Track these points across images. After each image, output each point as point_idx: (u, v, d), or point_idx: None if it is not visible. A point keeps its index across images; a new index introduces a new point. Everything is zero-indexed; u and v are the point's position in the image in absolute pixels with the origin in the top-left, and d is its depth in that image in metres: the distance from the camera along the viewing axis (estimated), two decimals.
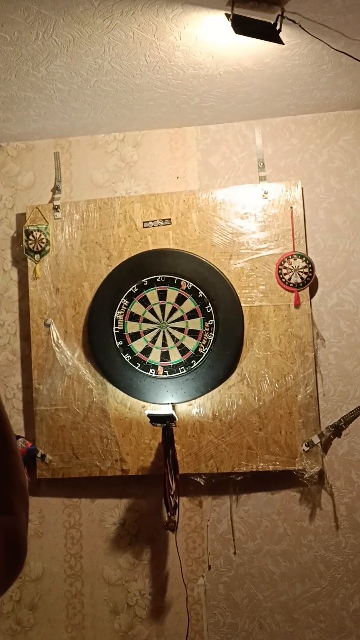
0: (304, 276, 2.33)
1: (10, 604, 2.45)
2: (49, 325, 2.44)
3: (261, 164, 2.42)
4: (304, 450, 2.27)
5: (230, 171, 2.50)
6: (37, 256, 2.48)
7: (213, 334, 2.34)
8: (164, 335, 2.38)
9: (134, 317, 2.40)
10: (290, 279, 2.33)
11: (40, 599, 2.45)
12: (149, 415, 2.25)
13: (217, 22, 1.77)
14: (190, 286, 2.37)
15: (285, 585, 2.33)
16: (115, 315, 2.40)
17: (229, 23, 1.67)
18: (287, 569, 2.33)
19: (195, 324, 2.36)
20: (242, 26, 1.64)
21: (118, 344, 2.39)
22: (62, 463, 2.41)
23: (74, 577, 2.44)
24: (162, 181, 2.54)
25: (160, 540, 2.40)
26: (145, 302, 2.39)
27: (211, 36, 1.86)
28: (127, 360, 2.37)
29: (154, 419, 2.25)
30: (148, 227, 2.43)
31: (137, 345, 2.38)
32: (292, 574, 2.33)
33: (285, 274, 2.33)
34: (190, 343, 2.35)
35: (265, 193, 2.37)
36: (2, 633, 2.45)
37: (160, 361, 2.36)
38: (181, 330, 2.37)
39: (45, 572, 2.46)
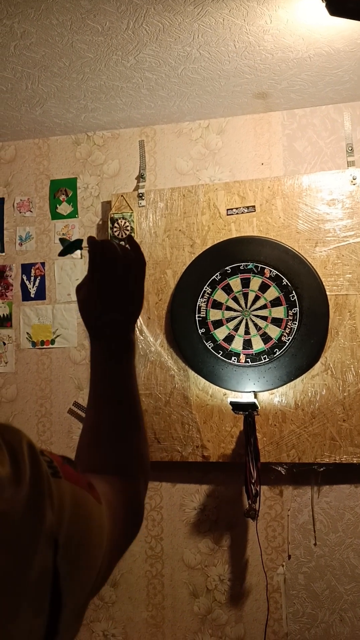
0: None
1: None
2: None
3: (350, 148, 2.35)
4: None
5: (316, 156, 2.45)
6: (122, 243, 2.52)
7: (297, 323, 2.31)
8: (246, 323, 2.37)
9: (217, 305, 2.40)
10: None
11: (122, 577, 2.52)
12: (232, 403, 2.26)
13: (309, 4, 1.73)
14: (274, 274, 2.34)
15: None
16: (197, 303, 2.41)
17: (323, 4, 1.63)
18: None
19: (279, 312, 2.34)
20: (337, 7, 1.59)
21: (200, 331, 2.40)
22: None
23: (155, 558, 2.50)
24: (246, 168, 2.52)
25: (239, 528, 2.41)
26: (228, 289, 2.39)
27: (302, 18, 1.82)
28: (209, 347, 2.38)
29: (236, 406, 2.25)
30: (232, 214, 2.42)
31: (220, 333, 2.39)
32: None
33: None
34: (274, 331, 2.33)
35: (354, 179, 2.31)
36: None
37: (243, 349, 2.36)
38: (264, 318, 2.35)
39: (126, 552, 2.52)
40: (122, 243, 0.99)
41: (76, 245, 1.00)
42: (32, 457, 0.56)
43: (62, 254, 1.04)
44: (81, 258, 0.97)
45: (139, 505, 0.87)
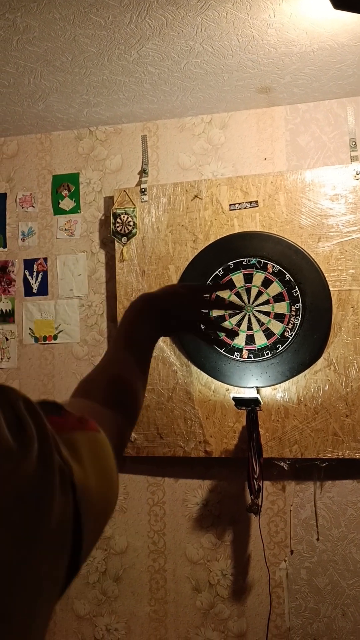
0: None
1: (96, 574, 2.54)
2: None
3: (353, 143, 2.34)
4: None
5: (320, 151, 2.44)
6: (124, 239, 2.52)
7: (300, 318, 2.31)
8: (249, 319, 2.37)
9: (220, 300, 2.39)
10: None
11: (125, 572, 2.53)
12: (234, 399, 2.26)
13: None
14: (277, 269, 2.34)
15: None
16: None
17: None
18: None
19: (282, 307, 2.33)
20: (341, 0, 1.58)
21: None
22: (146, 442, 2.46)
23: (157, 553, 2.50)
24: (249, 163, 2.51)
25: (242, 523, 2.41)
26: (231, 285, 2.39)
27: (306, 12, 1.81)
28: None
29: (239, 402, 2.25)
30: (235, 209, 2.42)
31: None
32: None
33: None
34: (276, 327, 2.33)
35: (357, 174, 2.30)
36: (89, 602, 2.55)
37: (245, 345, 2.36)
38: (267, 313, 2.35)
39: (129, 547, 2.53)
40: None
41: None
42: (32, 414, 0.56)
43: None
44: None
45: (124, 442, 0.93)
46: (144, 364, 1.06)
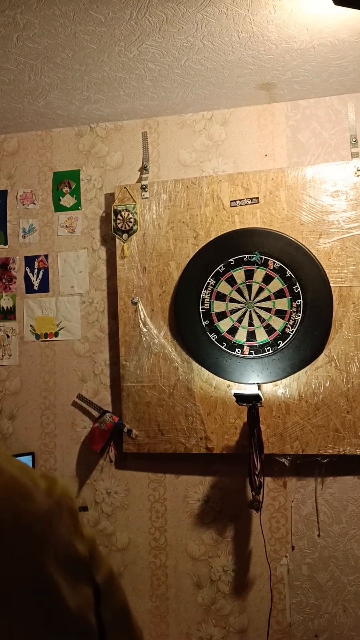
0: None
1: None
2: (136, 304, 2.49)
3: (354, 139, 2.34)
4: None
5: (320, 148, 2.44)
6: (125, 235, 2.53)
7: (300, 315, 2.31)
8: (250, 315, 2.37)
9: (221, 297, 2.40)
10: None
11: (126, 568, 2.53)
12: (235, 395, 2.26)
13: None
14: (278, 266, 2.34)
15: None
16: (201, 295, 2.41)
17: None
18: None
19: (283, 304, 2.34)
20: None
21: (204, 323, 2.40)
22: (147, 438, 2.46)
23: (159, 549, 2.51)
24: (250, 159, 2.51)
25: (243, 519, 2.42)
26: (232, 281, 2.39)
27: (307, 8, 1.81)
28: (213, 339, 2.38)
29: (240, 398, 2.25)
30: (235, 206, 2.42)
31: (223, 325, 2.39)
32: None
33: None
34: (277, 323, 2.33)
35: (358, 170, 2.30)
36: None
37: (247, 341, 2.36)
38: (268, 310, 2.35)
39: (130, 543, 2.54)
40: None
41: None
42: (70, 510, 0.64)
43: None
44: None
45: None
46: None
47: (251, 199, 2.40)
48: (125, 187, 2.55)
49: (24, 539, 0.56)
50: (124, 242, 2.52)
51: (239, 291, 2.38)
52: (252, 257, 2.36)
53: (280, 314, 2.33)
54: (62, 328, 2.66)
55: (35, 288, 2.70)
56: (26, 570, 0.54)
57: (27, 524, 0.57)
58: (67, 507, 0.64)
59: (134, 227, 2.51)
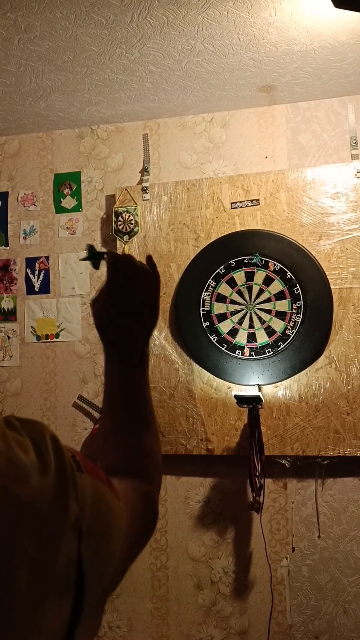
0: None
1: None
2: None
3: (354, 141, 2.35)
4: None
5: (320, 149, 2.44)
6: (125, 237, 2.53)
7: (301, 316, 2.31)
8: (250, 317, 2.37)
9: (221, 298, 2.40)
10: None
11: None
12: (236, 396, 2.26)
13: None
14: (278, 267, 2.35)
15: None
16: (202, 296, 2.41)
17: None
18: None
19: (283, 305, 2.34)
20: None
21: (205, 324, 2.40)
22: None
23: (159, 550, 2.51)
24: (250, 161, 2.52)
25: (244, 520, 2.42)
26: (232, 283, 2.39)
27: (307, 10, 1.82)
28: (214, 341, 2.39)
29: (241, 400, 2.26)
30: (236, 208, 2.42)
31: (224, 327, 2.39)
32: None
33: None
34: (278, 325, 2.34)
35: (358, 172, 2.31)
36: None
37: (247, 342, 2.36)
38: (268, 311, 2.35)
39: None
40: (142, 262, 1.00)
41: (99, 256, 1.01)
42: (55, 449, 0.58)
43: (84, 259, 1.04)
44: (97, 269, 0.97)
45: (153, 503, 0.89)
46: (142, 415, 0.94)
47: (251, 200, 2.40)
48: (126, 189, 2.56)
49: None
50: (124, 244, 2.53)
51: (240, 293, 2.39)
52: (253, 258, 2.37)
53: (280, 315, 2.34)
54: (63, 329, 2.66)
55: (36, 289, 2.71)
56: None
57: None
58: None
59: (135, 229, 2.52)
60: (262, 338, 2.35)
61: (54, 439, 0.60)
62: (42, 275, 2.70)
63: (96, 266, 1.03)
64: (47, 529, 0.54)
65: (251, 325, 2.37)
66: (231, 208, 2.43)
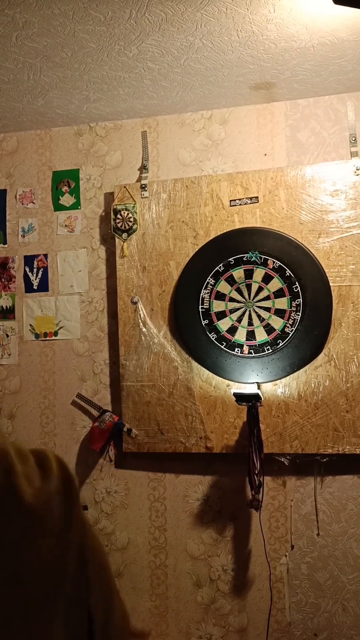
0: None
1: None
2: (135, 303, 2.49)
3: (353, 138, 2.34)
4: None
5: (320, 147, 2.44)
6: (124, 235, 2.52)
7: (300, 314, 2.31)
8: (249, 315, 2.37)
9: (220, 296, 2.40)
10: None
11: (126, 567, 2.53)
12: (235, 394, 2.26)
13: None
14: (277, 265, 2.34)
15: None
16: (201, 294, 2.41)
17: None
18: None
19: (282, 303, 2.34)
20: None
21: (204, 322, 2.40)
22: (147, 438, 2.46)
23: (158, 548, 2.51)
24: (249, 159, 2.51)
25: (243, 518, 2.42)
26: (231, 281, 2.39)
27: (306, 7, 1.81)
28: (213, 339, 2.38)
29: (240, 397, 2.25)
30: (235, 205, 2.42)
31: (223, 324, 2.39)
32: None
33: None
34: (277, 322, 2.33)
35: (357, 169, 2.30)
36: None
37: (246, 340, 2.36)
38: (267, 309, 2.35)
39: (130, 542, 2.54)
40: None
41: None
42: (61, 466, 0.62)
43: None
44: None
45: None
46: None
47: (250, 198, 2.40)
48: (124, 187, 2.55)
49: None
50: (123, 242, 2.52)
51: (239, 290, 2.38)
52: (252, 257, 2.36)
53: (279, 313, 2.33)
54: (61, 327, 2.66)
55: (35, 287, 2.70)
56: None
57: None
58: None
59: (134, 227, 2.51)
60: (261, 336, 2.34)
61: (58, 459, 0.65)
62: (40, 273, 2.70)
63: None
64: (58, 526, 0.57)
65: (250, 323, 2.36)
66: (230, 205, 2.42)
